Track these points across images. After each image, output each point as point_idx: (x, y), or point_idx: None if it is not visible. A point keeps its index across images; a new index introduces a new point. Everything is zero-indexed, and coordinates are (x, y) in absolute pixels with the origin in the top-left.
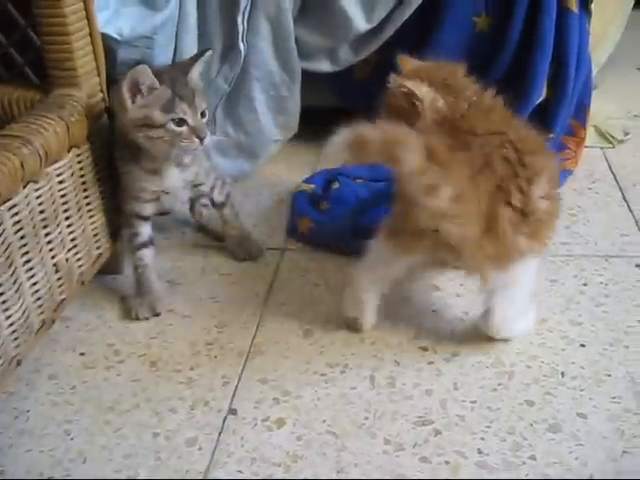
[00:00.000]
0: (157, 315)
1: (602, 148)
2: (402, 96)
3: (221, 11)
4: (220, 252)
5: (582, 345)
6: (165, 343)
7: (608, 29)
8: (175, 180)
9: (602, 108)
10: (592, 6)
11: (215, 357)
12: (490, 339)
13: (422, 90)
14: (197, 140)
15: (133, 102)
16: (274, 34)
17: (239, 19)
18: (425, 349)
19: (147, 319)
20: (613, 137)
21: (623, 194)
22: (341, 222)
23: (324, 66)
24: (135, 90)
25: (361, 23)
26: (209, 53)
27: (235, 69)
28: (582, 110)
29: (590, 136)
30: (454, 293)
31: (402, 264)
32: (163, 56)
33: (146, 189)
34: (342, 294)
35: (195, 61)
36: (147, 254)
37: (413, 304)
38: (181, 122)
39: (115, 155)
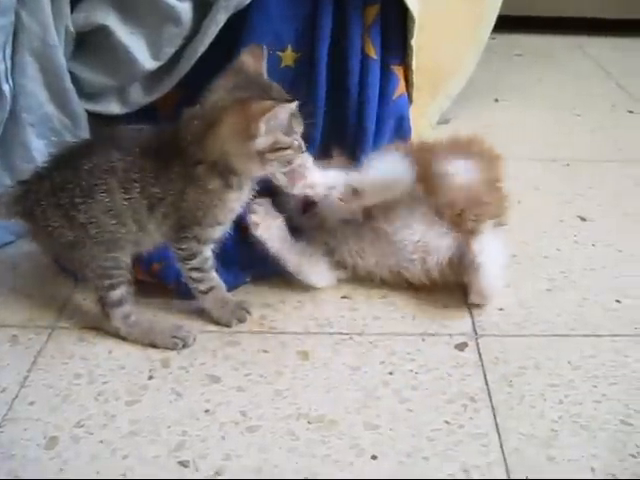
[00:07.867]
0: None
1: None
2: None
3: None
4: None
5: (373, 457)
6: None
7: (461, 61)
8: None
9: None
10: (412, 43)
11: None
12: None
13: None
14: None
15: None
16: (44, 73)
17: None
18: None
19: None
20: None
21: None
22: None
23: (113, 108)
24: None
25: (147, 61)
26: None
27: (1, 114)
28: None
29: None
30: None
31: None
32: None
33: (234, 209)
34: None
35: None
36: None
37: None
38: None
39: (208, 187)
